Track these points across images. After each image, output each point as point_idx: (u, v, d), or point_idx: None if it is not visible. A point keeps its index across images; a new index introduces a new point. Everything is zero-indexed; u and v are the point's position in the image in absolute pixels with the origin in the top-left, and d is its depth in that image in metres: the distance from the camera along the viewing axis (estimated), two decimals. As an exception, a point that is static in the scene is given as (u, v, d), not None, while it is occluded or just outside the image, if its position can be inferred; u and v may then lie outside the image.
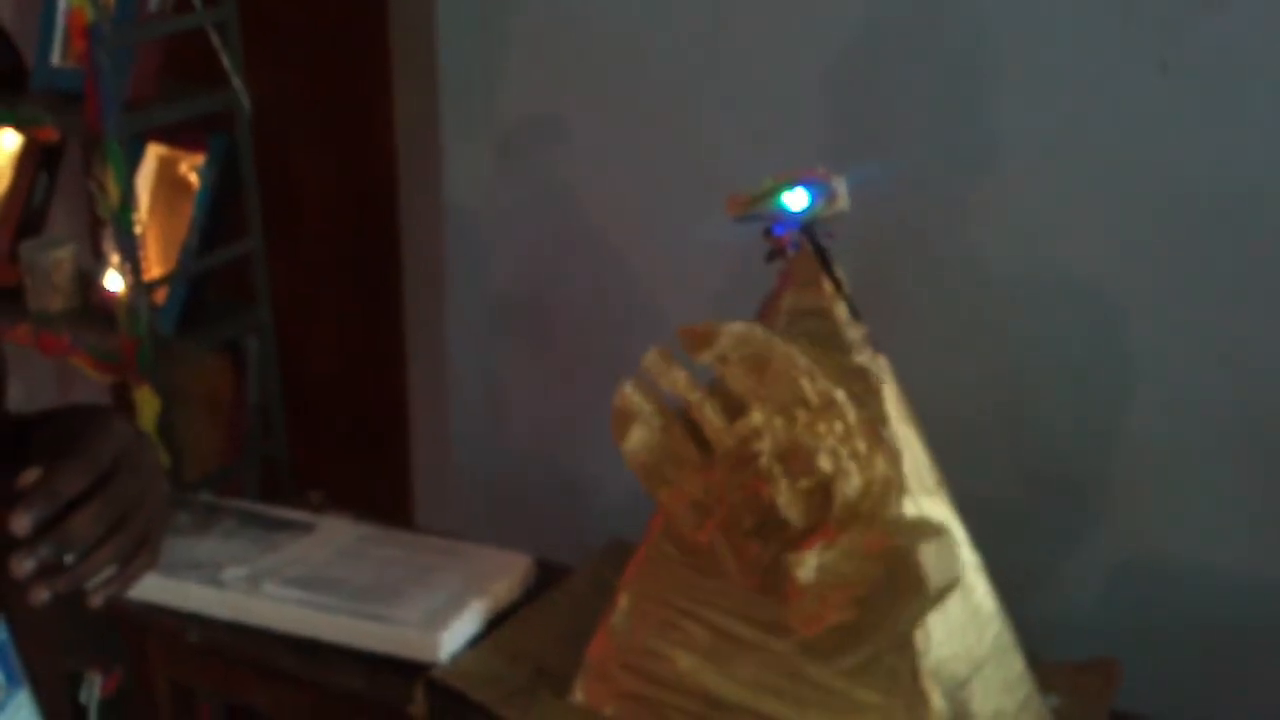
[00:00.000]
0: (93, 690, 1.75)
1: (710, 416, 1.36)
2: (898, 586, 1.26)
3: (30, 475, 0.88)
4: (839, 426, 1.31)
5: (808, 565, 1.27)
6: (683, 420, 1.39)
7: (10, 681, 0.92)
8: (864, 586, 1.27)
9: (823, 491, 1.30)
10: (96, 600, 0.90)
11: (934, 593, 1.27)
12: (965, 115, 1.86)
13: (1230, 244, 1.74)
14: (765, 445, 1.33)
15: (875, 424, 1.32)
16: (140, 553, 0.92)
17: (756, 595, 1.36)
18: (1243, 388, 1.78)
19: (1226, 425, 1.80)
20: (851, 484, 1.29)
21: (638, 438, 1.39)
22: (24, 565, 0.85)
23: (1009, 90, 1.82)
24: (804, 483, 1.30)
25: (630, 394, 1.40)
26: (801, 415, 1.32)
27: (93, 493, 0.88)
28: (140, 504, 0.92)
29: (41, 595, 0.86)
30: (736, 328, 1.35)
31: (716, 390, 1.37)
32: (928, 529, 1.30)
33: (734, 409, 1.35)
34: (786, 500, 1.30)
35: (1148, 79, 1.71)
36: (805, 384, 1.32)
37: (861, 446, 1.30)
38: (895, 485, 1.30)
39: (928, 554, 1.26)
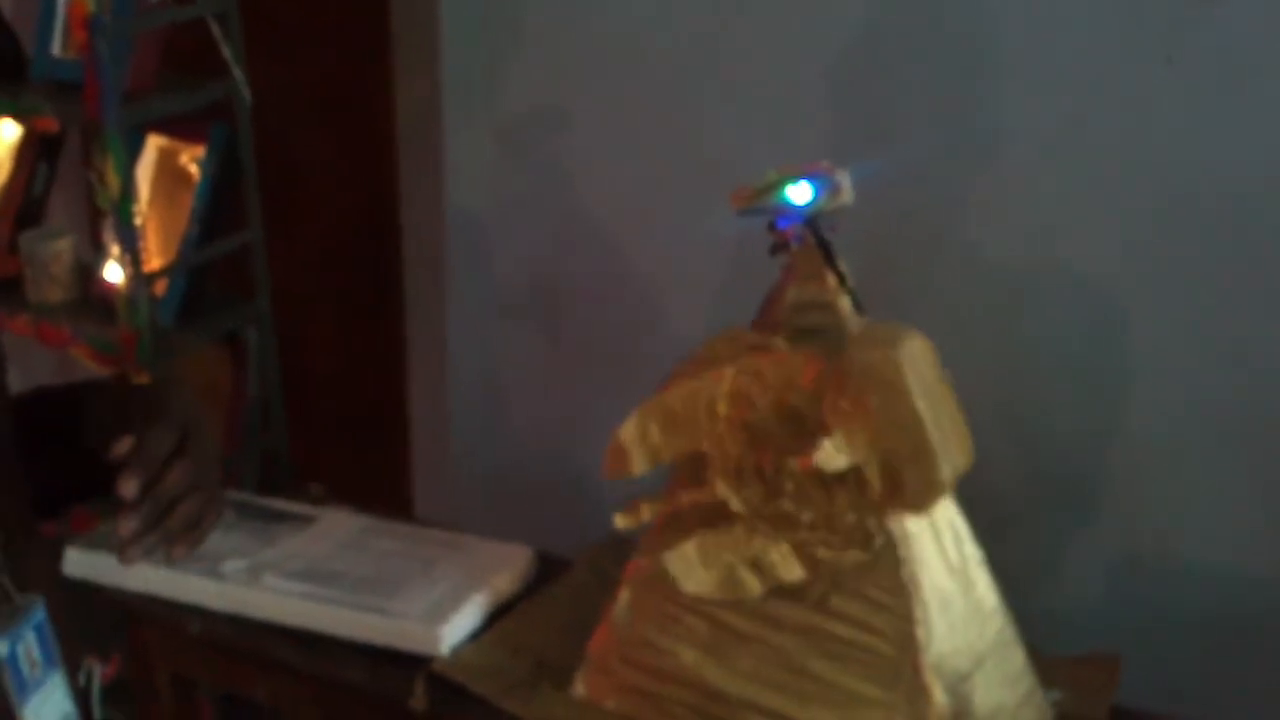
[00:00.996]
0: (93, 677, 1.74)
1: (692, 497, 1.38)
2: (885, 389, 1.27)
3: (125, 444, 0.98)
4: (746, 378, 1.34)
5: (825, 450, 1.28)
6: (688, 519, 1.40)
7: (47, 662, 0.96)
8: (876, 415, 1.28)
9: (790, 414, 1.32)
10: (179, 552, 1.04)
11: (909, 358, 1.28)
12: (968, 111, 1.86)
13: (1233, 241, 1.74)
14: (733, 453, 1.35)
15: (756, 343, 1.35)
16: (211, 508, 1.05)
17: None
18: (1243, 385, 1.78)
19: (1227, 422, 1.80)
20: (794, 386, 1.32)
21: (693, 579, 1.38)
22: (130, 525, 0.97)
23: (1012, 85, 1.82)
24: (770, 424, 1.33)
25: (643, 564, 1.42)
26: (723, 406, 1.35)
27: (178, 454, 1.00)
28: (211, 462, 1.05)
29: (135, 554, 0.99)
30: (626, 428, 1.39)
31: (677, 475, 1.40)
32: (859, 338, 1.33)
33: (701, 467, 1.38)
34: (779, 447, 1.31)
35: (1152, 73, 1.71)
36: (704, 387, 1.35)
37: (767, 364, 1.34)
38: (810, 358, 1.33)
39: (867, 349, 1.29)
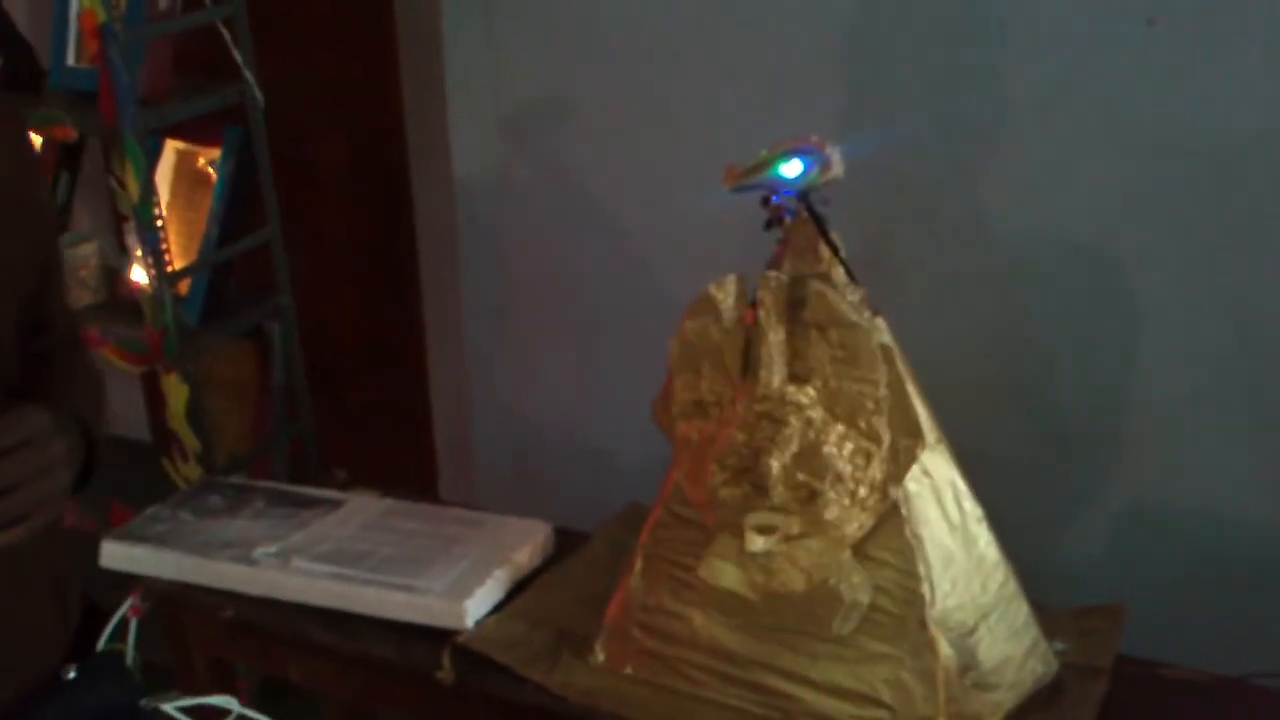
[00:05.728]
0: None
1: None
2: None
3: None
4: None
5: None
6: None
7: None
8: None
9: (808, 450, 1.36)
10: None
11: None
12: (958, 81, 1.88)
13: (1222, 198, 1.76)
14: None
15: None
16: (13, 528, 1.03)
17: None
18: (1244, 337, 1.80)
19: (1229, 376, 1.82)
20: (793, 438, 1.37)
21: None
22: None
23: (1000, 54, 1.83)
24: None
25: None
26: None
27: (8, 452, 1.02)
28: (28, 484, 1.04)
29: None
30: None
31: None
32: None
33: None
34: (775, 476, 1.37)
35: (1135, 34, 1.73)
36: (768, 374, 1.38)
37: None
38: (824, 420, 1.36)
39: None
